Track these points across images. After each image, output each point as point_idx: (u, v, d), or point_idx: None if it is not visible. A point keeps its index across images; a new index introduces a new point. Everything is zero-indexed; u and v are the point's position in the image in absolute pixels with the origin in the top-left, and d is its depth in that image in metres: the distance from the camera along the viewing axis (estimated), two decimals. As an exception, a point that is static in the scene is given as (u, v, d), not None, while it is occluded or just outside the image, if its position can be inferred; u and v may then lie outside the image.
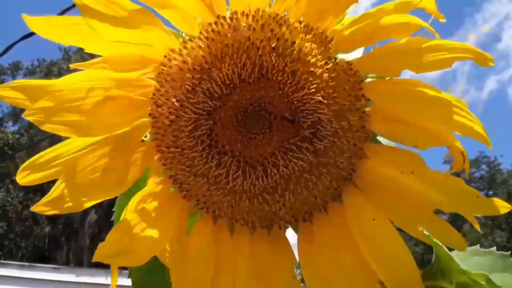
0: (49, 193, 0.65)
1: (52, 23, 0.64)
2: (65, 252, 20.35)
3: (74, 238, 20.11)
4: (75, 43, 0.65)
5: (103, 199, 0.66)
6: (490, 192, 29.56)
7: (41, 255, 20.48)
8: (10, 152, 21.00)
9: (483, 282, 0.51)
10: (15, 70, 26.84)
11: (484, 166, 31.13)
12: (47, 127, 0.63)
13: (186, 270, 0.66)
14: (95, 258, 0.63)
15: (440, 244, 0.54)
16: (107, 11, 0.62)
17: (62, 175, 0.65)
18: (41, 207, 0.65)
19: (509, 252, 0.53)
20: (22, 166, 0.65)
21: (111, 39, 0.64)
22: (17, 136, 23.10)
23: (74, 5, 0.62)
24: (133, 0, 0.63)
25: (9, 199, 20.62)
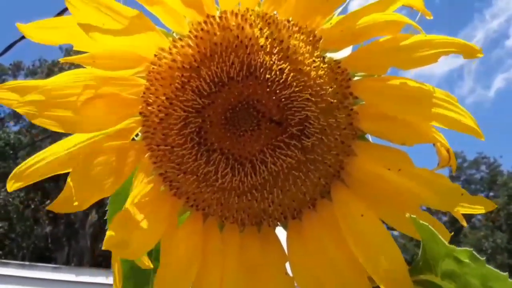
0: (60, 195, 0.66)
1: (43, 26, 0.65)
2: (66, 252, 20.37)
3: (75, 238, 20.13)
4: (66, 42, 0.66)
5: (98, 199, 0.67)
6: (491, 194, 29.48)
7: (42, 255, 20.50)
8: (11, 152, 21.03)
9: (467, 260, 0.51)
10: (16, 70, 26.89)
11: (484, 167, 31.08)
12: (38, 121, 0.63)
13: (171, 266, 0.66)
14: (105, 246, 0.63)
15: (426, 225, 0.54)
16: (103, 23, 0.62)
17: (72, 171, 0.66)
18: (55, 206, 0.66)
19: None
20: (10, 176, 0.66)
21: (106, 44, 0.65)
22: (19, 136, 23.12)
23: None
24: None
25: (10, 199, 20.64)
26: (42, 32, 0.66)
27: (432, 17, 0.69)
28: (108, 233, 0.63)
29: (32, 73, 26.54)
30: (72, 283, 9.73)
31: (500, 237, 25.56)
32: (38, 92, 0.63)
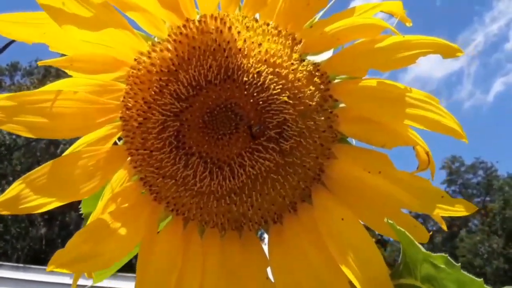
0: (3, 194, 0.64)
1: (14, 19, 0.64)
2: (61, 254, 20.25)
3: (69, 239, 20.00)
4: (40, 40, 0.64)
5: (68, 201, 0.66)
6: (487, 198, 29.62)
7: (37, 257, 20.42)
8: (6, 152, 20.94)
9: (442, 265, 0.51)
10: (13, 70, 26.77)
11: (481, 172, 31.20)
12: (7, 127, 0.63)
13: (151, 271, 0.66)
14: (49, 267, 0.62)
15: (403, 231, 0.54)
16: (72, 10, 0.61)
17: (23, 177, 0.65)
18: None
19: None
20: None
21: (79, 38, 0.64)
22: (14, 136, 23.01)
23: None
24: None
25: (5, 201, 20.51)
26: (11, 26, 0.64)
27: (411, 25, 0.69)
28: (68, 248, 0.63)
29: (28, 74, 26.45)
30: (66, 286, 9.68)
31: (496, 242, 25.64)
32: (7, 98, 0.62)
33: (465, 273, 0.50)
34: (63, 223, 20.68)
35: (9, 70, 26.83)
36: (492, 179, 30.10)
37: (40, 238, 21.53)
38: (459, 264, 0.50)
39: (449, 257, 0.51)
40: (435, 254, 0.52)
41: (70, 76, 0.67)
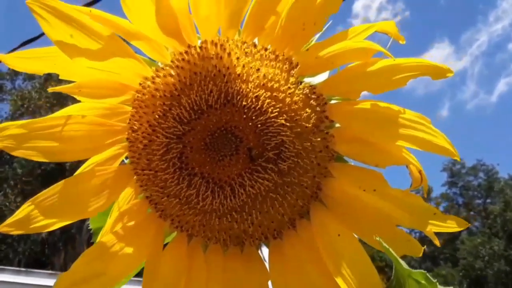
0: (14, 215, 0.67)
1: (25, 56, 0.68)
2: (62, 258, 20.33)
3: (71, 244, 20.07)
4: (51, 71, 0.69)
5: (77, 220, 0.69)
6: (488, 200, 29.57)
7: (38, 261, 20.46)
8: (8, 156, 20.96)
9: (423, 281, 0.54)
10: (14, 75, 26.79)
11: (481, 174, 31.16)
12: (18, 153, 0.66)
13: (157, 285, 0.69)
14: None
15: (387, 248, 0.57)
16: (81, 43, 0.65)
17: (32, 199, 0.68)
18: (4, 228, 0.67)
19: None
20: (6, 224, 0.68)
21: (86, 66, 0.67)
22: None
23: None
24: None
25: (7, 203, 20.61)
26: (25, 62, 0.68)
27: (405, 42, 0.72)
28: (73, 269, 0.66)
29: (30, 78, 26.43)
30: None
31: (497, 244, 25.67)
32: (18, 126, 0.66)
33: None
34: (65, 227, 20.56)
35: (10, 75, 26.86)
36: (493, 181, 30.09)
37: (41, 241, 21.55)
38: (436, 280, 0.53)
39: (427, 274, 0.54)
40: (415, 270, 0.55)
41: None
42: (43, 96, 22.63)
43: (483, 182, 30.82)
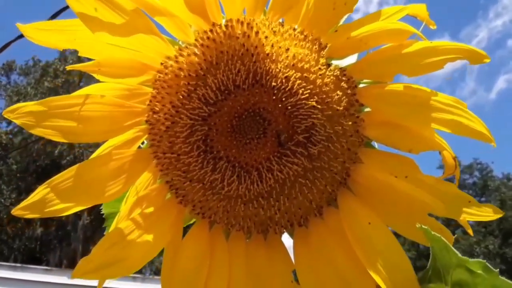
0: (28, 197, 0.64)
1: (45, 27, 0.64)
2: (58, 254, 20.27)
3: (66, 240, 20.02)
4: (70, 46, 0.65)
5: (92, 205, 0.66)
6: (483, 199, 29.66)
7: (33, 257, 20.38)
8: (3, 152, 20.88)
9: (479, 271, 0.51)
10: (8, 69, 26.65)
11: (477, 173, 31.23)
12: (37, 131, 0.63)
13: (178, 276, 0.66)
14: (73, 276, 0.62)
15: (438, 236, 0.54)
16: (105, 17, 0.62)
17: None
18: (18, 211, 0.64)
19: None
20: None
21: (108, 42, 0.64)
22: (11, 136, 22.92)
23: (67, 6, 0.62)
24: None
25: (2, 200, 20.52)
26: (43, 34, 0.65)
27: (435, 27, 0.69)
28: (93, 255, 0.63)
29: (25, 73, 26.31)
30: (63, 286, 9.65)
31: (492, 242, 25.70)
32: (37, 103, 0.63)
33: (504, 278, 0.50)
34: (60, 223, 20.63)
35: (5, 69, 26.72)
36: (487, 179, 30.18)
37: (36, 238, 21.46)
38: (497, 270, 0.50)
39: (487, 263, 0.51)
40: (472, 259, 0.52)
41: (76, 78, 0.67)
42: (39, 91, 22.49)
43: (478, 180, 30.91)
